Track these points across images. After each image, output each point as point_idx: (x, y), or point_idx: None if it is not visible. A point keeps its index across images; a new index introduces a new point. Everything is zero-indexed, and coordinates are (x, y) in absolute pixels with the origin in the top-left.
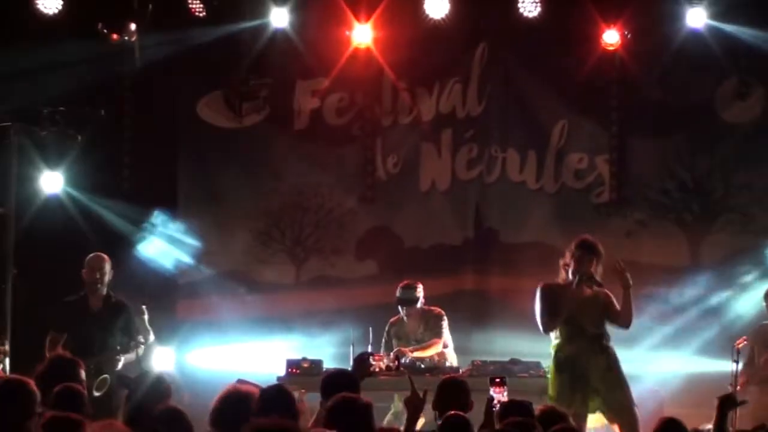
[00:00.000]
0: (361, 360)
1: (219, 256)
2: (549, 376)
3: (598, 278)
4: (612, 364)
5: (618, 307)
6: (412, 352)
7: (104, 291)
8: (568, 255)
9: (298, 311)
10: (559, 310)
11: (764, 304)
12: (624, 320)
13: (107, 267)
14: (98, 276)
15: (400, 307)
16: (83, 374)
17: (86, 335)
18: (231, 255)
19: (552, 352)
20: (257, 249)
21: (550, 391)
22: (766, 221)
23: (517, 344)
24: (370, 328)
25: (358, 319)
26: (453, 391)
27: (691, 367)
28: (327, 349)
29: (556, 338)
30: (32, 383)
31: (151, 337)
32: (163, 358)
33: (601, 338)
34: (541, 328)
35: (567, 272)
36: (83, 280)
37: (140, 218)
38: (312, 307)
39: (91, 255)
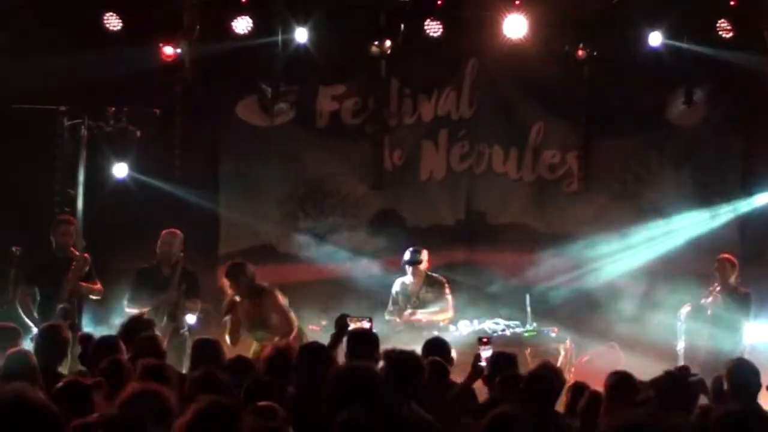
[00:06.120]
0: (340, 321)
1: (252, 231)
2: None
3: None
4: None
5: None
6: (423, 318)
7: (174, 261)
8: None
9: (318, 278)
10: None
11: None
12: None
13: (178, 241)
14: (170, 249)
15: (407, 267)
16: (156, 330)
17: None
18: (262, 231)
19: None
20: (285, 226)
21: None
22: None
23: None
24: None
25: (368, 284)
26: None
27: None
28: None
29: None
30: (65, 330)
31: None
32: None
33: None
34: None
35: None
36: (157, 251)
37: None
38: (329, 275)
39: (166, 231)
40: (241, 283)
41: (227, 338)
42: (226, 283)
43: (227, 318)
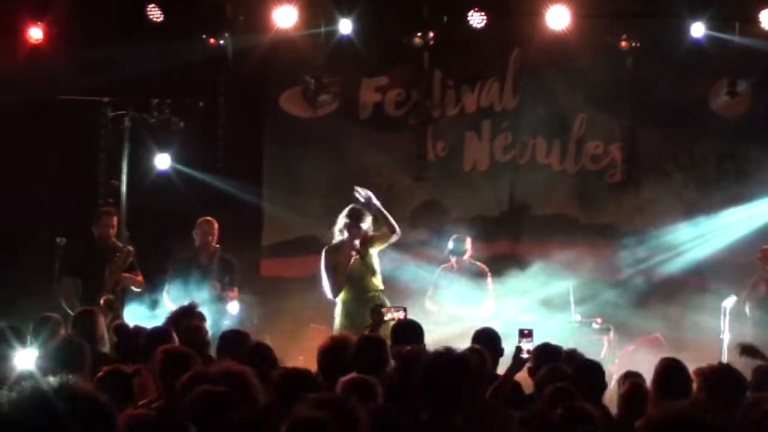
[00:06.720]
0: (375, 311)
1: (295, 222)
2: None
3: None
4: None
5: None
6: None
7: (212, 249)
8: None
9: None
10: None
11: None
12: None
13: (215, 229)
14: (209, 238)
15: (450, 256)
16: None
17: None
18: (304, 222)
19: None
20: (327, 218)
21: None
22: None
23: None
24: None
25: (410, 275)
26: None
27: None
28: None
29: None
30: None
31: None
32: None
33: None
34: None
35: None
36: (195, 240)
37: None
38: None
39: (202, 220)
40: (361, 226)
41: (327, 289)
42: (342, 229)
43: (330, 267)
